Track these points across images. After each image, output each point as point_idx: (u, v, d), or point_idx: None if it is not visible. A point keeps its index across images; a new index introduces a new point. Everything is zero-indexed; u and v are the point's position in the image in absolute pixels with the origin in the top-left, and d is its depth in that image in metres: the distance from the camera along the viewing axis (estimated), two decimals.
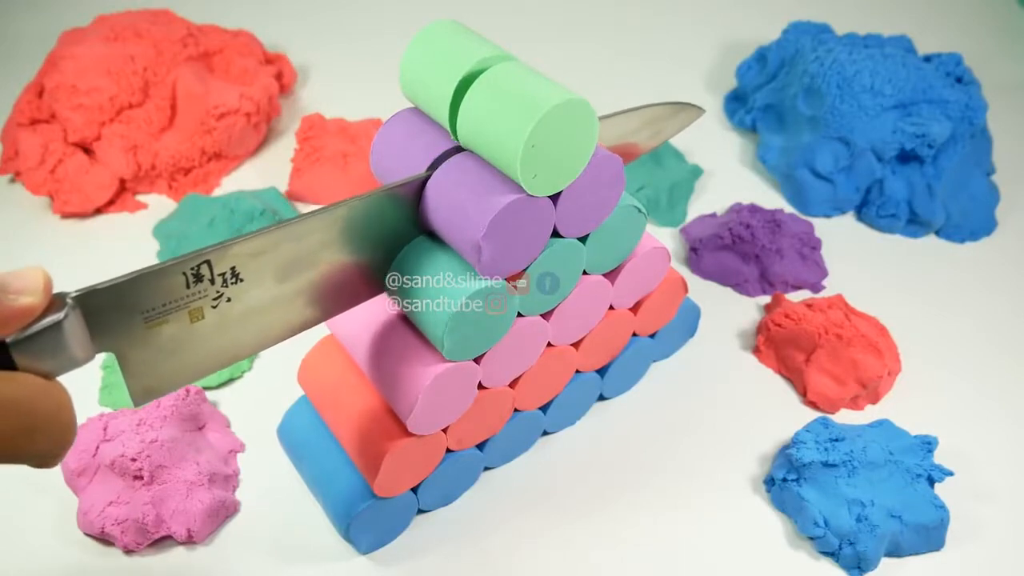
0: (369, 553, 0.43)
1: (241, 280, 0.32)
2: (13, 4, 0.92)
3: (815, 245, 0.60)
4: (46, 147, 0.63)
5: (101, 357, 0.52)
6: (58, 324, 0.26)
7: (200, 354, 0.32)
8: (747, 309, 0.57)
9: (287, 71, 0.77)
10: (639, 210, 0.42)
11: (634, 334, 0.49)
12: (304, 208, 0.65)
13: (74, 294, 0.27)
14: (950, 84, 0.65)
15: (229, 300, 0.32)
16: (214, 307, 0.32)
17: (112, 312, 0.29)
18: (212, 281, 0.31)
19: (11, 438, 0.25)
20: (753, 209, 0.61)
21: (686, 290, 0.50)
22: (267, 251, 0.32)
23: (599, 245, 0.42)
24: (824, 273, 0.60)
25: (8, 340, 0.25)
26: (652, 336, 0.51)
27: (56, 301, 0.27)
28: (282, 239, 0.33)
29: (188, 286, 0.30)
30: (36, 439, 0.25)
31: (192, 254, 0.30)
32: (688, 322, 0.53)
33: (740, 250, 0.58)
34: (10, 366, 0.25)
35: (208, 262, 0.31)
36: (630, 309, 0.48)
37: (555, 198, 0.37)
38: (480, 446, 0.45)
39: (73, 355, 0.27)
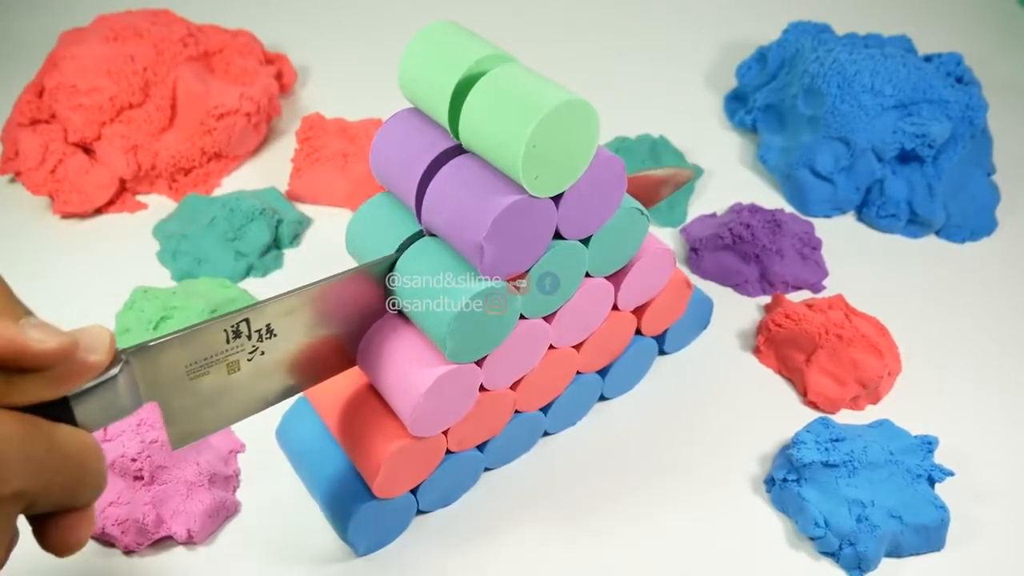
0: (368, 554, 0.43)
1: (275, 335, 0.35)
2: (13, 4, 0.92)
3: (815, 245, 0.60)
4: (46, 147, 0.63)
5: None
6: (113, 378, 0.28)
7: (235, 402, 0.35)
8: (747, 309, 0.57)
9: (287, 71, 0.77)
10: (641, 212, 0.42)
11: (640, 332, 0.50)
12: (304, 208, 0.65)
13: (128, 350, 0.29)
14: (950, 84, 0.65)
15: (263, 353, 0.35)
16: (249, 360, 0.34)
17: (160, 366, 0.31)
18: (249, 336, 0.34)
19: (66, 491, 0.26)
20: (753, 209, 0.61)
21: (691, 288, 0.50)
22: (298, 310, 0.35)
23: (601, 247, 0.41)
24: (824, 273, 0.60)
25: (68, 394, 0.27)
26: (663, 334, 0.51)
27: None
28: (313, 298, 0.36)
29: (228, 341, 0.33)
30: (83, 491, 0.26)
31: (232, 313, 0.33)
32: (701, 314, 0.54)
33: (740, 250, 0.58)
34: (70, 419, 0.27)
35: (247, 320, 0.33)
36: (635, 312, 0.48)
37: (557, 199, 0.37)
38: (480, 447, 0.45)
39: (123, 407, 0.29)
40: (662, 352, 0.54)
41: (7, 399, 0.24)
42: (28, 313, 0.25)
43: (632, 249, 0.44)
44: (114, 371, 0.28)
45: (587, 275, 0.42)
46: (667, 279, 0.47)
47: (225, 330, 0.33)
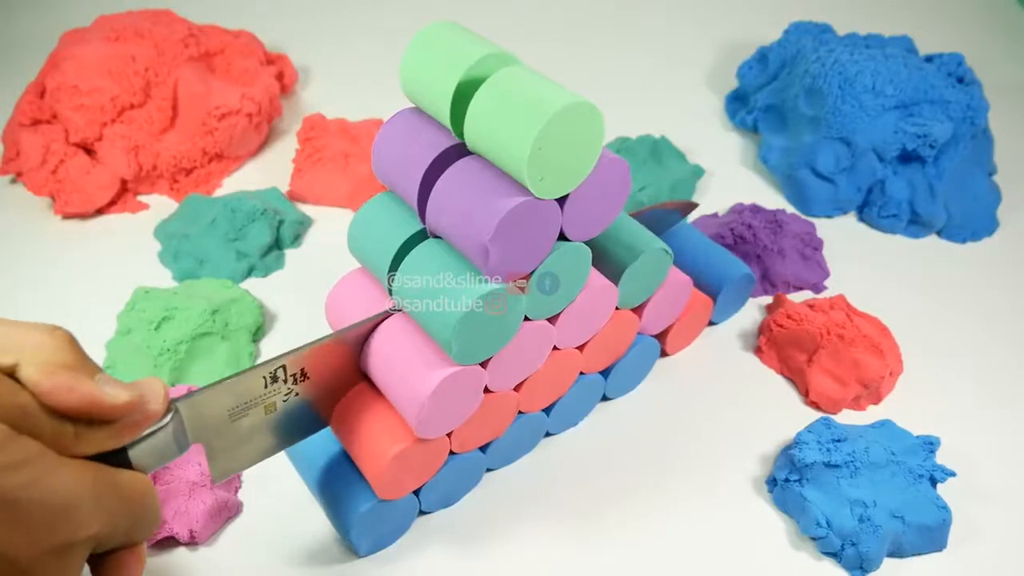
0: (370, 555, 0.43)
1: (308, 378, 0.38)
2: (15, 5, 0.92)
3: (817, 246, 0.60)
4: (47, 147, 0.63)
5: (103, 357, 0.52)
6: (165, 426, 0.30)
7: (270, 438, 0.38)
8: (749, 309, 0.57)
9: (288, 71, 0.77)
10: (666, 252, 0.46)
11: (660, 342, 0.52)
12: (306, 208, 0.65)
13: (178, 399, 0.32)
14: (951, 84, 0.65)
15: (297, 395, 0.38)
16: (285, 400, 0.37)
17: (206, 412, 0.34)
18: (285, 380, 0.37)
19: (129, 531, 0.28)
20: (755, 209, 0.61)
21: (710, 311, 0.54)
22: (330, 354, 0.39)
23: (630, 284, 0.45)
24: (826, 274, 0.60)
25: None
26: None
27: None
28: (344, 343, 0.39)
29: (266, 386, 0.36)
30: (142, 530, 0.28)
31: (271, 360, 0.36)
32: (743, 289, 0.56)
33: (742, 250, 0.58)
34: (126, 464, 0.29)
35: (284, 366, 0.36)
36: (660, 336, 0.51)
37: (561, 201, 0.37)
38: (483, 448, 0.45)
39: (172, 450, 0.31)
40: (711, 323, 0.56)
41: (75, 449, 0.26)
42: (100, 370, 0.28)
43: (656, 283, 0.47)
44: (166, 419, 0.30)
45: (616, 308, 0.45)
46: (684, 305, 0.51)
47: (264, 376, 0.36)
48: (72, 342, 0.27)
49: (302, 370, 0.38)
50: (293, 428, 0.39)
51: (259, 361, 0.53)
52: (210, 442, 0.35)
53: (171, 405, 0.31)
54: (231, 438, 0.36)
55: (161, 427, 0.30)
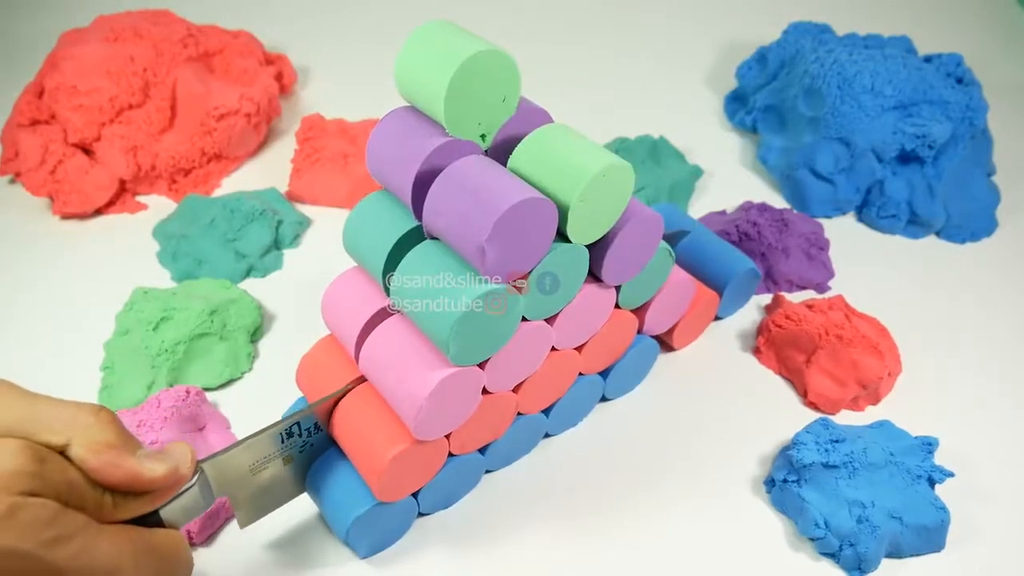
0: (369, 557, 0.43)
1: (321, 430, 0.41)
2: (13, 5, 0.92)
3: (823, 246, 0.60)
4: (46, 148, 0.63)
5: (101, 358, 0.52)
6: (193, 485, 0.33)
7: (290, 485, 0.41)
8: (748, 310, 0.57)
9: (287, 71, 0.77)
10: (669, 253, 0.46)
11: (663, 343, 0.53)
12: (304, 208, 0.65)
13: (203, 461, 0.35)
14: (951, 85, 0.65)
15: (313, 446, 0.41)
16: (301, 452, 0.41)
17: (229, 469, 0.37)
18: (300, 435, 0.40)
19: None
20: (763, 208, 0.61)
21: (715, 306, 0.54)
22: (343, 407, 0.41)
23: (632, 284, 0.45)
24: (831, 274, 0.59)
25: None
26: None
27: None
28: (355, 396, 0.41)
29: (283, 441, 0.39)
30: None
31: (287, 418, 0.39)
32: (748, 284, 0.56)
33: (746, 248, 0.58)
34: (158, 522, 0.31)
35: (299, 423, 0.39)
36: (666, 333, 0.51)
37: (598, 247, 0.40)
38: (482, 449, 0.45)
39: (199, 506, 0.34)
40: (717, 318, 0.56)
41: (113, 516, 0.29)
42: (140, 445, 0.30)
43: (659, 283, 0.47)
44: (193, 479, 0.33)
45: (617, 307, 0.45)
46: (688, 304, 0.51)
47: (281, 433, 0.39)
48: (115, 421, 0.29)
49: (316, 424, 0.40)
50: (310, 474, 0.42)
51: (256, 362, 0.53)
52: (234, 494, 0.38)
53: (197, 466, 0.33)
54: (253, 489, 0.39)
55: (189, 487, 0.33)
